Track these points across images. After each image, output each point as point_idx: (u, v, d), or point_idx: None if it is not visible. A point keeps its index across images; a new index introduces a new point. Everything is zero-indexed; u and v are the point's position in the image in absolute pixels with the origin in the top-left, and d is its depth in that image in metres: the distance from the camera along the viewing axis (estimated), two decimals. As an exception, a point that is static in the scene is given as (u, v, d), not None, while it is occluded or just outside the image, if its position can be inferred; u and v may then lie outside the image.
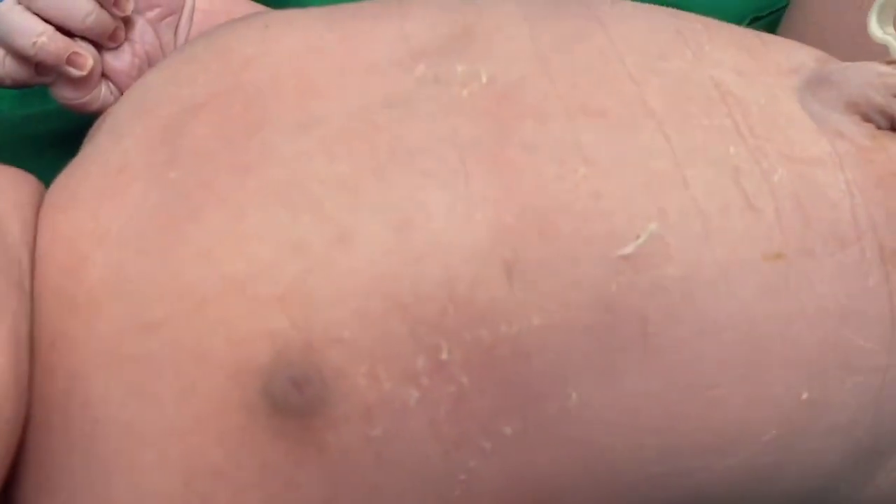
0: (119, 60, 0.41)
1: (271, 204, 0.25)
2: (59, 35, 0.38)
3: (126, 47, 0.41)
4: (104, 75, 0.41)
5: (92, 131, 0.37)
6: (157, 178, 0.27)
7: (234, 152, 0.26)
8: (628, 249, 0.24)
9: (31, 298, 0.27)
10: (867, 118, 0.29)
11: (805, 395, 0.26)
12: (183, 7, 0.43)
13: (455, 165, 0.25)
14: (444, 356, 0.24)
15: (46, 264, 0.27)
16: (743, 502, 0.28)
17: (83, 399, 0.25)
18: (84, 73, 0.39)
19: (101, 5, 0.39)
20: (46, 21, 0.38)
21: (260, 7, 0.46)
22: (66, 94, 0.40)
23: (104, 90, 0.41)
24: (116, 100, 0.41)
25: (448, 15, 0.30)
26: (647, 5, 0.32)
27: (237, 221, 0.25)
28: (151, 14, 0.42)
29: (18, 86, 0.40)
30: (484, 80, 0.27)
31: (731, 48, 0.29)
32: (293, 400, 0.23)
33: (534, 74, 0.27)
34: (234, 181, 0.26)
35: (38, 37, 0.37)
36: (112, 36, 0.40)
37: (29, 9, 0.38)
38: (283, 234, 0.24)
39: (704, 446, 0.26)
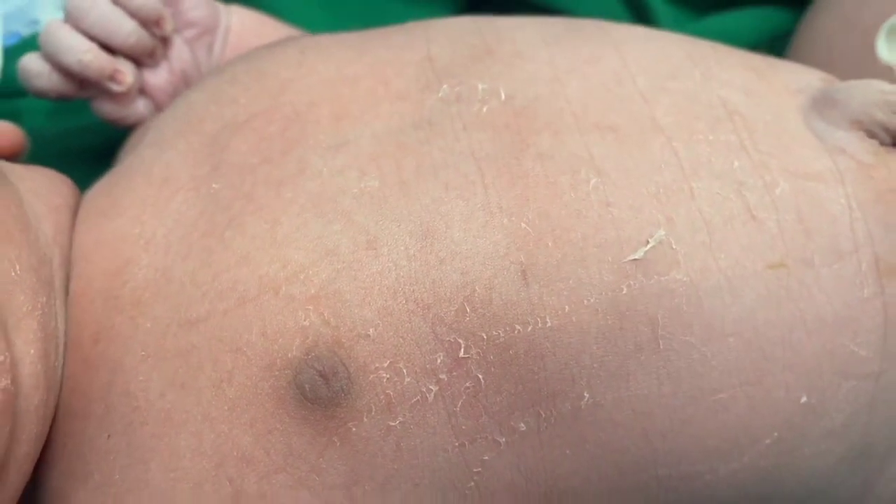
0: (157, 77, 0.43)
1: (306, 213, 0.27)
2: (102, 53, 0.40)
3: (164, 65, 0.43)
4: (142, 91, 0.43)
5: (130, 144, 0.39)
6: (200, 189, 0.29)
7: (272, 167, 0.28)
8: (638, 255, 0.26)
9: (66, 297, 0.29)
10: (871, 135, 0.30)
11: (804, 400, 0.27)
12: (217, 28, 0.45)
13: (474, 177, 0.27)
14: (463, 353, 0.25)
15: (88, 266, 0.29)
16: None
17: (124, 389, 0.27)
18: (124, 88, 0.41)
19: (142, 25, 0.41)
20: (91, 39, 0.40)
21: (290, 29, 0.49)
22: (106, 109, 0.42)
23: (141, 105, 0.43)
24: (152, 115, 0.43)
25: (470, 38, 0.31)
26: (659, 31, 0.34)
27: (274, 229, 0.27)
28: (188, 34, 0.44)
29: (62, 99, 0.42)
30: (503, 97, 0.28)
31: (738, 69, 0.31)
32: (320, 391, 0.25)
33: (549, 93, 0.28)
34: (271, 193, 0.28)
35: (83, 54, 0.40)
36: (151, 54, 0.42)
37: (76, 28, 0.40)
38: (316, 241, 0.26)
39: (710, 450, 0.27)
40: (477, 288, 0.25)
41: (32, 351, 0.26)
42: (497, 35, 0.31)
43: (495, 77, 0.29)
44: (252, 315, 0.26)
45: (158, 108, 0.43)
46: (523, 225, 0.26)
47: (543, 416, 0.26)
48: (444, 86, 0.29)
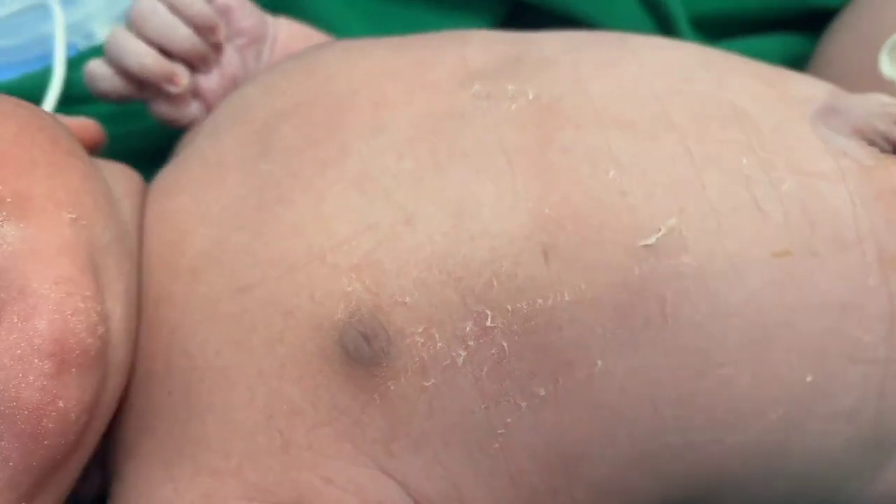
0: (209, 81, 0.46)
1: (349, 191, 0.30)
2: (161, 57, 0.44)
3: (216, 70, 0.46)
4: (195, 94, 0.46)
5: (185, 141, 0.43)
6: (251, 169, 0.32)
7: (317, 149, 0.31)
8: (650, 240, 0.28)
9: (139, 267, 0.32)
10: (872, 143, 0.32)
11: (809, 378, 0.29)
12: (266, 37, 0.48)
13: (503, 165, 0.29)
14: (489, 323, 0.28)
15: (153, 238, 0.32)
16: (755, 481, 0.31)
17: (183, 349, 0.30)
18: (180, 90, 0.44)
19: (198, 32, 0.45)
20: (151, 45, 0.44)
21: (332, 39, 0.52)
22: (162, 110, 0.45)
23: (195, 107, 0.46)
24: (204, 117, 0.46)
25: (502, 45, 0.34)
26: (675, 41, 0.37)
27: (320, 204, 0.30)
28: (239, 42, 0.47)
29: (122, 101, 0.46)
30: (530, 97, 0.31)
31: (749, 78, 0.33)
32: (362, 351, 0.28)
33: (573, 93, 0.31)
34: (317, 172, 0.30)
35: (144, 58, 0.43)
36: (205, 59, 0.46)
37: (137, 34, 0.44)
38: (359, 216, 0.29)
39: (716, 420, 0.29)
40: (504, 264, 0.28)
41: (119, 310, 0.29)
42: (527, 45, 0.34)
43: (523, 79, 0.32)
44: (301, 281, 0.29)
45: (210, 110, 0.47)
46: (546, 209, 0.28)
47: (560, 382, 0.28)
48: (476, 85, 0.32)
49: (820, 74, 0.44)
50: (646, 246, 0.28)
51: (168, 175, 0.35)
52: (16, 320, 0.26)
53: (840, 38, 0.48)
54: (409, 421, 0.28)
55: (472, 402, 0.28)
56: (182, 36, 0.44)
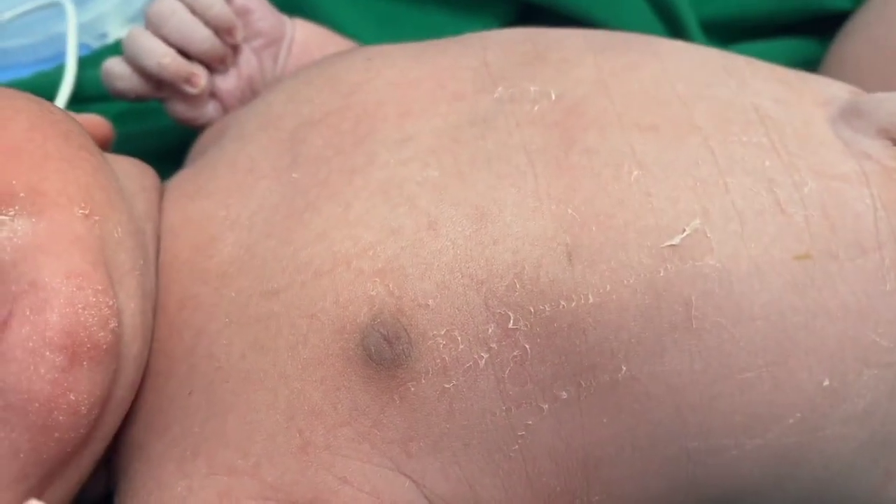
0: (226, 82, 0.46)
1: (374, 198, 0.30)
2: (179, 57, 0.44)
3: (233, 71, 0.47)
4: (212, 94, 0.46)
5: (203, 142, 0.43)
6: (282, 177, 0.32)
7: (345, 158, 0.31)
8: (675, 241, 0.28)
9: (156, 266, 0.32)
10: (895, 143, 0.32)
11: (826, 383, 0.29)
12: (283, 39, 0.49)
13: (525, 168, 0.30)
14: (512, 325, 0.28)
15: (177, 241, 0.32)
16: (770, 485, 0.31)
17: (208, 351, 0.30)
18: (198, 91, 0.44)
19: (216, 33, 0.45)
20: (169, 45, 0.44)
21: (350, 43, 0.52)
22: (179, 109, 0.46)
23: (211, 108, 0.46)
24: (220, 117, 0.47)
25: (522, 46, 0.34)
26: (696, 45, 0.37)
27: (346, 211, 0.30)
28: (256, 43, 0.48)
29: (139, 99, 0.46)
30: (553, 97, 0.31)
31: (770, 80, 0.33)
32: (384, 353, 0.28)
33: (595, 94, 0.31)
34: (344, 180, 0.31)
35: (162, 57, 0.43)
36: (222, 60, 0.46)
37: (156, 34, 0.44)
38: (383, 222, 0.29)
39: (736, 425, 0.29)
40: (526, 266, 0.28)
41: (133, 305, 0.29)
42: (547, 43, 0.34)
43: (546, 80, 0.32)
44: (326, 285, 0.29)
45: (226, 110, 0.47)
46: (570, 211, 0.28)
47: (584, 385, 0.28)
48: (499, 88, 0.32)
49: (833, 77, 0.44)
50: (670, 247, 0.28)
51: (192, 178, 0.35)
52: (28, 313, 0.26)
53: (853, 41, 0.48)
54: (429, 422, 0.28)
55: (493, 404, 0.28)
56: (201, 37, 0.44)
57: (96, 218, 0.29)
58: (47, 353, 0.26)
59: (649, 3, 0.59)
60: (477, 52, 0.34)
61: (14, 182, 0.28)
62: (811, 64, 0.55)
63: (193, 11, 0.44)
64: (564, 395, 0.28)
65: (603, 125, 0.30)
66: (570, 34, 0.35)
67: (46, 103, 0.33)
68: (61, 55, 0.69)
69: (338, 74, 0.35)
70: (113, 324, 0.27)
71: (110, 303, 0.27)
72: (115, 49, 0.67)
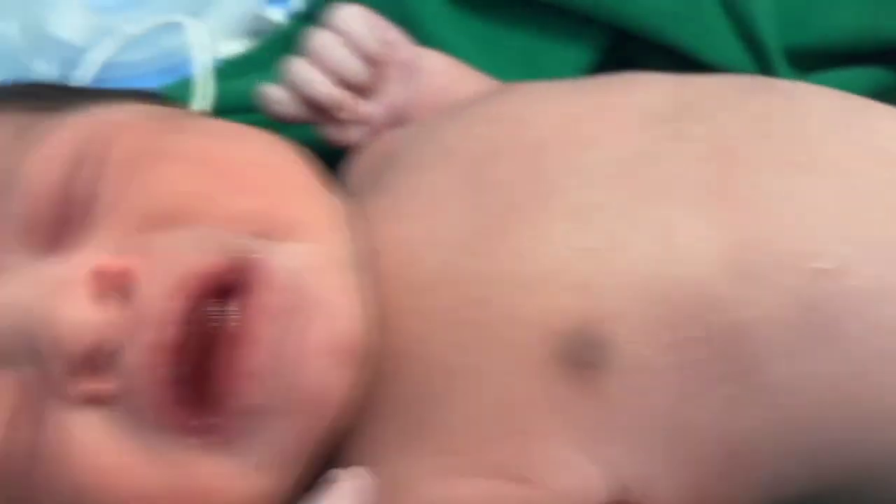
0: (372, 108, 0.52)
1: (564, 222, 0.35)
2: (338, 86, 0.49)
3: (378, 98, 0.52)
4: (359, 120, 0.52)
5: (369, 163, 0.48)
6: (469, 202, 0.37)
7: (527, 186, 0.37)
8: (826, 265, 0.33)
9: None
10: None
11: None
12: (419, 69, 0.54)
13: (693, 198, 0.35)
14: (689, 333, 0.33)
15: (386, 257, 0.37)
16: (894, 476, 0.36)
17: (420, 354, 0.35)
18: (353, 116, 0.50)
19: (367, 65, 0.50)
20: (327, 74, 0.49)
21: (471, 70, 0.57)
22: (332, 132, 0.51)
23: (358, 131, 0.52)
24: (365, 139, 0.52)
25: (671, 88, 0.40)
26: (817, 86, 0.42)
27: (541, 232, 0.35)
28: (398, 73, 0.53)
29: (297, 122, 0.51)
30: (713, 138, 0.36)
31: (888, 120, 0.38)
32: (583, 356, 0.33)
33: (746, 135, 0.36)
34: (532, 205, 0.36)
35: (323, 86, 0.49)
36: (370, 88, 0.51)
37: (316, 65, 0.49)
38: (577, 242, 0.34)
39: (872, 420, 0.34)
40: (703, 281, 0.33)
41: (367, 315, 0.34)
42: (695, 88, 0.40)
43: (700, 122, 0.37)
44: (529, 297, 0.34)
45: (372, 134, 0.52)
46: (736, 236, 0.34)
47: (745, 384, 0.33)
48: (662, 126, 0.37)
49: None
50: (819, 269, 0.33)
51: (387, 203, 0.40)
52: (307, 323, 0.32)
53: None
54: (617, 414, 0.33)
55: (669, 400, 0.33)
56: (356, 68, 0.49)
57: (343, 240, 0.34)
58: (324, 356, 0.32)
59: (736, 32, 0.63)
60: (633, 93, 0.40)
61: (287, 212, 0.33)
62: (888, 92, 0.60)
63: (349, 44, 0.50)
64: (728, 392, 0.33)
65: (757, 163, 0.35)
66: (715, 81, 0.40)
67: (278, 138, 0.38)
68: (176, 68, 0.74)
69: (509, 112, 0.41)
70: (366, 332, 0.33)
71: (363, 314, 0.33)
72: (233, 63, 0.72)
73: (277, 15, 0.79)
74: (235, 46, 0.77)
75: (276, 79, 0.51)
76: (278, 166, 0.35)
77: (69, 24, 0.70)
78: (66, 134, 0.35)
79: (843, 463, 0.35)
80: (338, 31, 0.50)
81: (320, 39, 0.49)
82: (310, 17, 0.68)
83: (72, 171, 0.34)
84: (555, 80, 0.44)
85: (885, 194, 0.35)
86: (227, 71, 0.70)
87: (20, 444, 0.32)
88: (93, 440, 0.31)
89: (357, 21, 0.50)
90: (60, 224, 0.33)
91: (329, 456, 0.36)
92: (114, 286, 0.31)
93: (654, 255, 0.34)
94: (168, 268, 0.31)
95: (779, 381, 0.33)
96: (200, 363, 0.32)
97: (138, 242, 0.32)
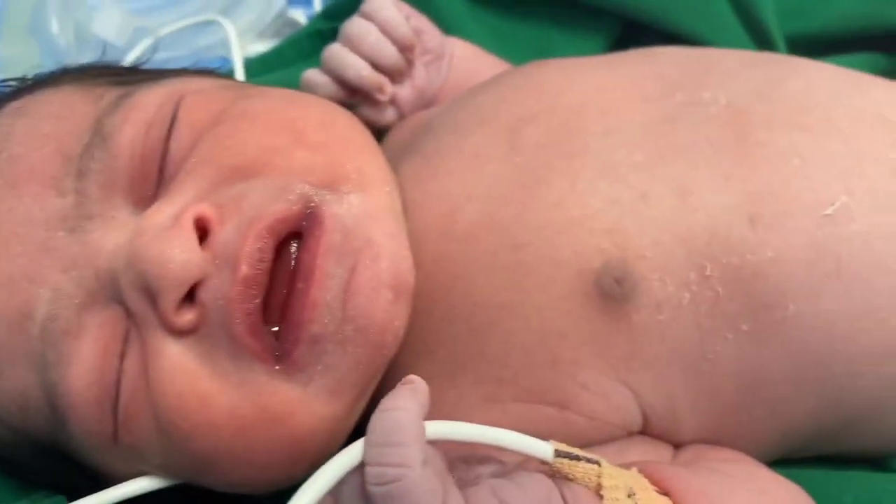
0: (403, 91, 0.56)
1: (594, 176, 0.39)
2: (374, 70, 0.53)
3: (408, 82, 0.56)
4: (391, 101, 0.55)
5: (401, 135, 0.51)
6: (505, 160, 0.41)
7: (562, 146, 0.40)
8: (829, 211, 0.37)
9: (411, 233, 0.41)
10: None
11: None
12: (445, 55, 0.58)
13: (711, 155, 0.38)
14: (708, 272, 0.36)
15: (422, 212, 0.41)
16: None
17: (465, 291, 0.39)
18: (386, 98, 0.53)
19: (400, 51, 0.54)
20: (363, 58, 0.53)
21: (494, 57, 0.61)
22: (367, 113, 0.55)
23: (391, 112, 0.56)
24: (397, 121, 0.56)
25: (687, 60, 0.44)
26: (823, 63, 0.46)
27: (573, 186, 0.39)
28: (426, 58, 0.57)
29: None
30: (724, 102, 0.40)
31: (884, 91, 0.42)
32: (614, 290, 0.37)
33: (757, 100, 0.40)
34: (565, 164, 0.40)
35: (361, 70, 0.53)
36: (401, 73, 0.55)
37: (354, 50, 0.53)
38: (605, 193, 0.38)
39: (873, 354, 0.37)
40: (720, 228, 0.37)
41: (408, 258, 0.38)
42: (708, 60, 0.43)
43: (715, 89, 0.41)
44: (566, 240, 0.38)
45: (402, 115, 0.56)
46: (750, 188, 0.37)
47: (760, 320, 0.37)
48: (678, 94, 0.41)
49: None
50: (825, 216, 0.37)
51: (423, 163, 0.43)
52: (368, 262, 0.35)
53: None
54: (645, 345, 0.37)
55: (692, 333, 0.37)
56: (390, 53, 0.53)
57: (393, 193, 0.38)
58: (384, 291, 0.35)
59: (742, 21, 0.67)
60: (653, 65, 0.43)
61: (347, 166, 0.37)
62: (888, 77, 0.63)
63: (383, 31, 0.53)
64: (745, 327, 0.37)
65: (768, 124, 0.39)
66: (725, 53, 0.44)
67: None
68: (208, 64, 0.78)
69: (539, 80, 0.44)
70: (413, 270, 0.37)
71: (410, 255, 0.37)
72: (259, 61, 0.76)
73: (300, 16, 0.83)
74: (260, 46, 0.81)
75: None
76: (339, 126, 0.39)
77: (110, 25, 0.74)
78: (154, 99, 0.39)
79: (851, 396, 0.39)
80: (371, 19, 0.54)
81: (356, 26, 0.53)
82: (330, 17, 0.72)
83: (160, 132, 0.38)
84: (586, 57, 0.48)
85: (880, 153, 0.38)
86: (254, 69, 0.74)
87: (131, 369, 0.35)
88: (187, 366, 0.35)
89: (389, 9, 0.54)
90: (152, 179, 0.37)
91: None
92: (207, 230, 0.35)
93: (674, 205, 0.37)
94: (250, 214, 0.35)
95: (792, 317, 0.37)
96: (276, 297, 0.35)
97: (224, 192, 0.36)
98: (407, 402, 0.30)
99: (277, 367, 0.35)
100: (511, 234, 0.39)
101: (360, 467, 0.30)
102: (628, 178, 0.38)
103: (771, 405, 0.38)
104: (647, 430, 0.39)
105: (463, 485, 0.32)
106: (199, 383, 0.35)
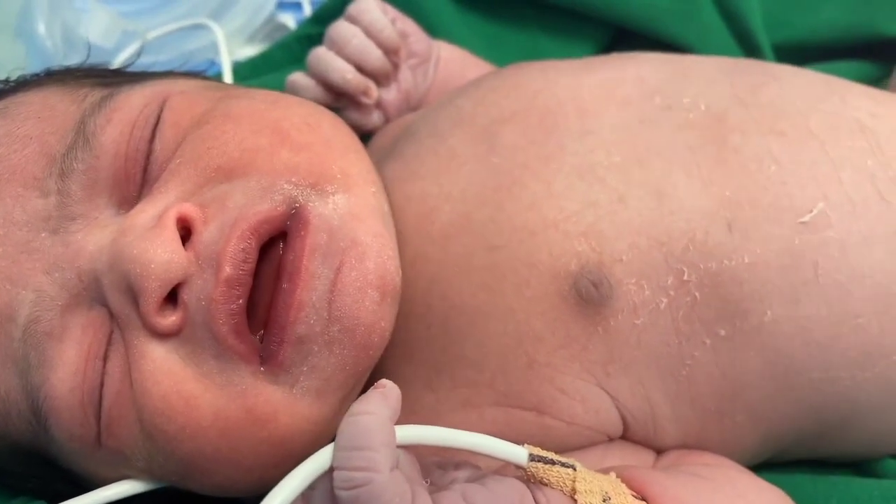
0: (389, 94, 0.55)
1: (571, 178, 0.39)
2: (359, 73, 0.53)
3: (394, 85, 0.56)
4: (377, 105, 0.55)
5: (385, 139, 0.51)
6: (482, 161, 0.41)
7: (538, 147, 0.40)
8: (805, 218, 0.37)
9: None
10: None
11: None
12: (431, 58, 0.58)
13: (689, 160, 0.38)
14: (686, 277, 0.36)
15: (402, 213, 0.41)
16: (873, 411, 0.39)
17: (442, 293, 0.38)
18: (372, 101, 0.53)
19: (385, 54, 0.54)
20: (348, 62, 0.53)
21: (481, 61, 0.61)
22: (352, 116, 0.55)
23: (376, 116, 0.55)
24: (383, 124, 0.55)
25: (668, 65, 0.43)
26: (801, 69, 0.46)
27: (549, 187, 0.39)
28: (412, 62, 0.57)
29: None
30: (703, 108, 0.40)
31: (863, 97, 0.42)
32: (591, 294, 0.36)
33: (735, 105, 0.40)
34: (542, 164, 0.39)
35: (346, 73, 0.52)
36: (387, 76, 0.55)
37: (338, 53, 0.53)
38: (582, 195, 0.38)
39: (850, 359, 0.37)
40: (697, 232, 0.37)
41: (396, 260, 0.37)
42: (687, 65, 0.43)
43: (694, 94, 0.41)
44: (541, 242, 0.37)
45: (388, 119, 0.56)
46: (727, 193, 0.37)
47: (738, 325, 0.36)
48: (657, 98, 0.41)
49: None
50: (802, 223, 0.37)
51: (402, 165, 0.43)
52: (354, 262, 0.35)
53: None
54: (622, 349, 0.37)
55: (669, 338, 0.37)
56: (375, 56, 0.53)
57: (378, 193, 0.38)
58: (370, 291, 0.35)
59: (730, 29, 0.67)
60: (633, 69, 0.43)
61: (332, 166, 0.37)
62: (874, 84, 0.64)
63: (368, 34, 0.53)
64: (723, 332, 0.37)
65: (745, 130, 0.39)
66: (705, 59, 0.44)
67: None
68: (197, 67, 0.78)
69: (519, 83, 0.44)
70: (400, 270, 0.36)
71: (397, 255, 0.36)
72: (247, 65, 0.76)
73: (289, 20, 0.83)
74: (249, 50, 0.81)
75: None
76: (324, 127, 0.39)
77: (98, 27, 0.74)
78: (138, 100, 0.39)
79: (830, 401, 0.38)
80: (356, 22, 0.54)
81: (340, 29, 0.53)
82: (319, 21, 0.72)
83: (144, 132, 0.38)
84: (565, 60, 0.48)
85: (857, 160, 0.38)
86: (242, 72, 0.74)
87: (115, 371, 0.35)
88: (171, 368, 0.34)
89: (374, 11, 0.53)
90: (135, 179, 0.37)
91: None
92: (190, 230, 0.35)
93: (652, 208, 0.37)
94: (234, 214, 0.35)
95: (770, 323, 0.36)
96: (260, 297, 0.35)
97: (208, 192, 0.36)
98: (376, 406, 0.30)
99: (263, 368, 0.35)
100: (486, 235, 0.38)
101: (331, 471, 0.29)
102: (607, 180, 0.38)
103: (750, 410, 0.38)
104: (627, 436, 0.39)
105: (436, 490, 0.31)
106: (183, 385, 0.34)
